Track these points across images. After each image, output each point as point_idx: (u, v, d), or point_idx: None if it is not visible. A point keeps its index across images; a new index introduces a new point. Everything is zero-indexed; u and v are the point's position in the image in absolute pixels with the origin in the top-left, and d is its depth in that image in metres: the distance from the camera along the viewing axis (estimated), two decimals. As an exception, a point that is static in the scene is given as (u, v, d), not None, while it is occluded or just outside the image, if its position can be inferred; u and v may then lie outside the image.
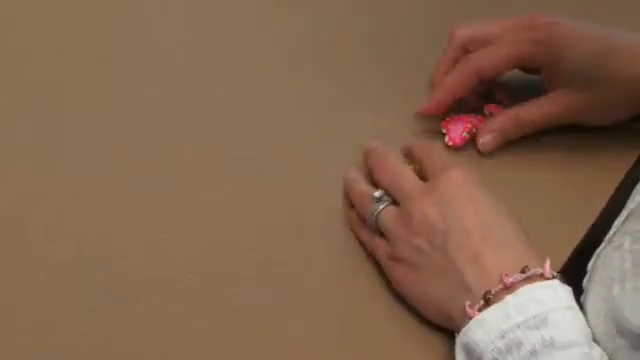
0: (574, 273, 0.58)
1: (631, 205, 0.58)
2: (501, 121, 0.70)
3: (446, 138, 0.71)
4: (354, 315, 0.60)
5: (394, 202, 0.61)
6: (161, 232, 0.64)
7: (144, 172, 0.68)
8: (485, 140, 0.70)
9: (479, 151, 0.70)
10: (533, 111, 0.70)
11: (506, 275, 0.54)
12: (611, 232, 0.58)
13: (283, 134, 0.72)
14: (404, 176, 0.62)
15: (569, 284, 0.56)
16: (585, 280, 0.57)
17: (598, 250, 0.58)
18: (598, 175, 0.69)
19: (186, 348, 0.57)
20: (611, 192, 0.67)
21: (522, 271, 0.55)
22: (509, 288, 0.54)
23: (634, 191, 0.61)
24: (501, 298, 0.54)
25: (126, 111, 0.73)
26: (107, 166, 0.69)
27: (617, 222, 0.58)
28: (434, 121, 0.72)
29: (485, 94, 0.74)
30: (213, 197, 0.67)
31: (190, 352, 0.57)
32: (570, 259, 0.62)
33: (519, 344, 0.52)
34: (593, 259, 0.58)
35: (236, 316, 0.59)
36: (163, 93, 0.75)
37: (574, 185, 0.69)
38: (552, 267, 0.56)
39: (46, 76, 0.76)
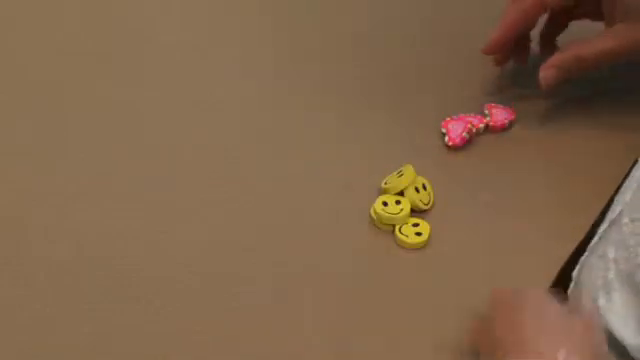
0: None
1: (612, 215, 0.58)
2: (562, 57, 0.69)
3: (446, 138, 0.71)
4: (354, 315, 0.60)
5: None
6: (161, 232, 0.64)
7: (144, 172, 0.68)
8: (545, 75, 0.69)
9: (478, 151, 0.70)
10: (594, 46, 0.68)
11: None
12: (594, 241, 0.57)
13: (283, 134, 0.72)
14: None
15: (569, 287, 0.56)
16: (571, 288, 0.57)
17: (582, 258, 0.58)
18: (598, 176, 0.69)
19: (186, 348, 0.57)
20: (611, 193, 0.67)
21: None
22: None
23: (615, 201, 0.60)
24: None
25: (126, 111, 0.73)
26: (107, 166, 0.69)
27: (600, 230, 0.58)
28: (434, 121, 0.72)
29: (546, 40, 0.73)
30: (213, 197, 0.67)
31: (190, 352, 0.57)
32: (569, 261, 0.62)
33: None
34: (578, 268, 0.58)
35: (236, 316, 0.59)
36: (163, 93, 0.75)
37: (574, 186, 0.69)
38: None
39: (46, 76, 0.76)
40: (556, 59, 0.69)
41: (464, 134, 0.71)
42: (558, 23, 0.73)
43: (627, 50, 0.67)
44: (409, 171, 0.66)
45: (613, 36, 0.67)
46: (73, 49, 0.78)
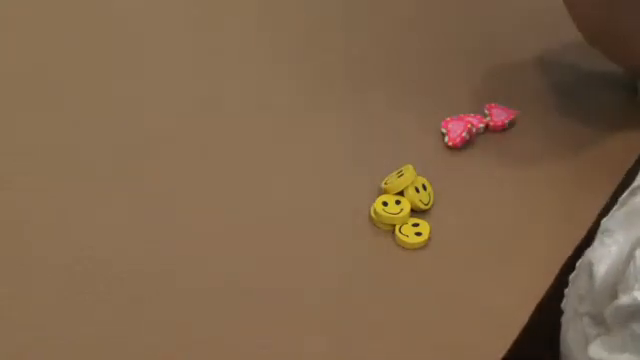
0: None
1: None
2: None
3: (446, 138, 0.71)
4: (354, 315, 0.60)
5: None
6: (161, 232, 0.64)
7: (144, 172, 0.68)
8: None
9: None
10: None
11: None
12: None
13: (283, 134, 0.72)
14: None
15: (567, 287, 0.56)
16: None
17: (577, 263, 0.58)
18: (599, 174, 0.69)
19: (186, 348, 0.57)
20: (611, 192, 0.67)
21: None
22: None
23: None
24: None
25: (127, 111, 0.73)
26: (107, 166, 0.69)
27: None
28: (434, 121, 0.72)
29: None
30: (212, 197, 0.67)
31: (190, 352, 0.57)
32: (570, 259, 0.62)
33: None
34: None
35: (236, 316, 0.59)
36: (164, 93, 0.75)
37: (574, 184, 0.69)
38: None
39: (46, 76, 0.76)
40: None
41: (464, 134, 0.71)
42: None
43: None
44: (409, 171, 0.66)
45: None
46: (73, 49, 0.79)
